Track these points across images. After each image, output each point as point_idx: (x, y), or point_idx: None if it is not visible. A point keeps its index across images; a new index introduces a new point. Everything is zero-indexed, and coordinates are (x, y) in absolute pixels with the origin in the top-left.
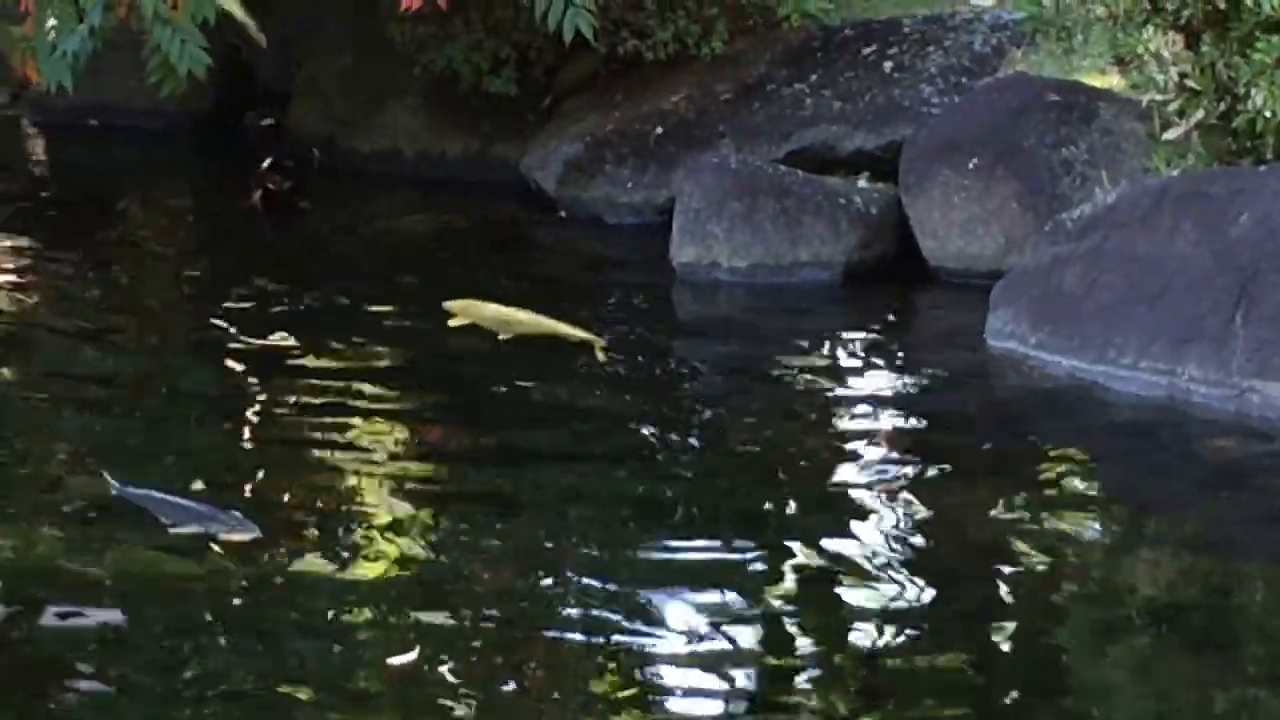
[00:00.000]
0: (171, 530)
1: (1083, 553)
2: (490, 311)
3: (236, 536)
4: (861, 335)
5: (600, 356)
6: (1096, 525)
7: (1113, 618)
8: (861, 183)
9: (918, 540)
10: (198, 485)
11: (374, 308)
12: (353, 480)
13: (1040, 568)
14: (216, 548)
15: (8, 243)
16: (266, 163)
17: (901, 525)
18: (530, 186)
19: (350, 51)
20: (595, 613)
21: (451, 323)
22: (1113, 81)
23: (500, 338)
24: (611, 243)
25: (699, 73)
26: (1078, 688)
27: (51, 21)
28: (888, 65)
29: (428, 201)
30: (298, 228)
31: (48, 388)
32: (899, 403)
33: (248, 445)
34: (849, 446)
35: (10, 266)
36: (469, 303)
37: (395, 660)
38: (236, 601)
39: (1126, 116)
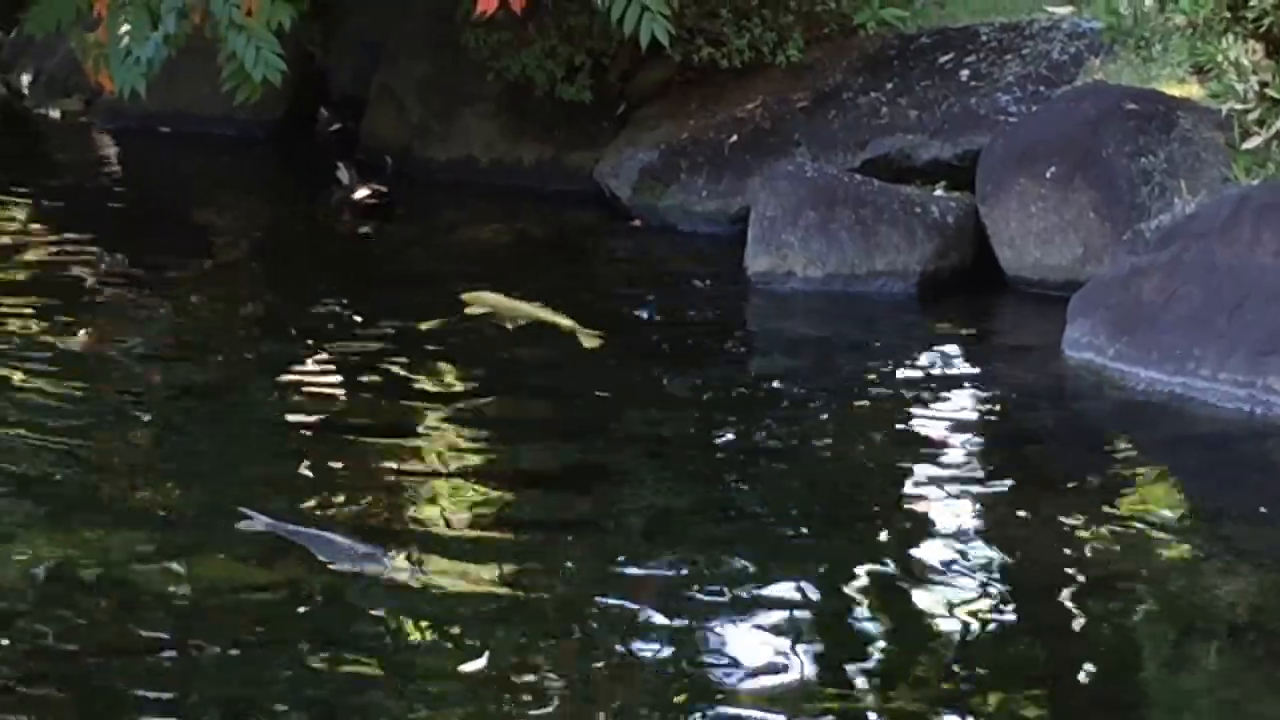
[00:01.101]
0: (330, 566)
1: (1160, 565)
2: (494, 300)
3: (389, 574)
4: (937, 346)
5: (588, 344)
6: (1174, 538)
7: (1190, 632)
8: (938, 192)
9: (993, 552)
10: (270, 496)
11: (449, 318)
12: (427, 493)
13: (1117, 580)
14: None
15: (80, 252)
16: (343, 171)
17: (977, 537)
18: (604, 194)
19: (425, 59)
20: (669, 625)
21: (467, 310)
22: (1192, 90)
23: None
24: (686, 251)
25: (774, 81)
26: (1155, 702)
27: (125, 28)
28: (965, 73)
29: (502, 209)
30: (373, 237)
31: (121, 398)
32: (975, 414)
33: (322, 457)
34: (924, 458)
35: (83, 276)
36: (481, 294)
37: (466, 668)
38: (309, 609)
39: (1206, 125)
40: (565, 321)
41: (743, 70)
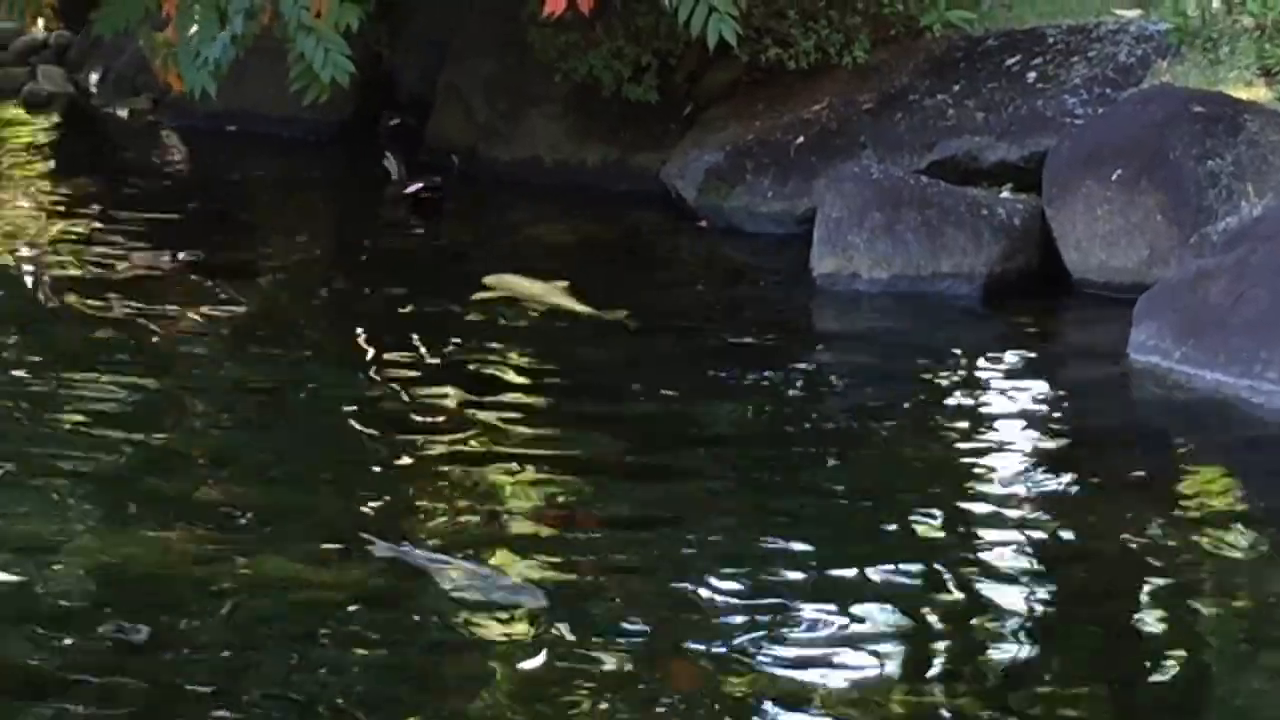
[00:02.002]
0: (454, 595)
1: (1226, 569)
2: (516, 284)
3: (522, 604)
4: (1003, 347)
5: (630, 325)
6: (1240, 541)
7: (1257, 636)
8: (1004, 194)
9: (1057, 553)
10: (334, 495)
11: (514, 317)
12: (489, 490)
13: (1182, 582)
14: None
15: (147, 250)
16: (391, 163)
17: (1041, 538)
18: (670, 195)
19: (491, 59)
20: (730, 624)
21: (490, 294)
22: (1259, 93)
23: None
24: (751, 252)
25: (841, 82)
26: (1220, 704)
27: (193, 28)
28: (1031, 75)
29: (567, 210)
30: (437, 236)
31: (186, 396)
32: (1040, 416)
33: (386, 454)
34: (989, 459)
35: (150, 274)
36: (503, 277)
37: (524, 666)
38: (369, 608)
39: (1273, 128)
40: (585, 308)
41: (809, 71)
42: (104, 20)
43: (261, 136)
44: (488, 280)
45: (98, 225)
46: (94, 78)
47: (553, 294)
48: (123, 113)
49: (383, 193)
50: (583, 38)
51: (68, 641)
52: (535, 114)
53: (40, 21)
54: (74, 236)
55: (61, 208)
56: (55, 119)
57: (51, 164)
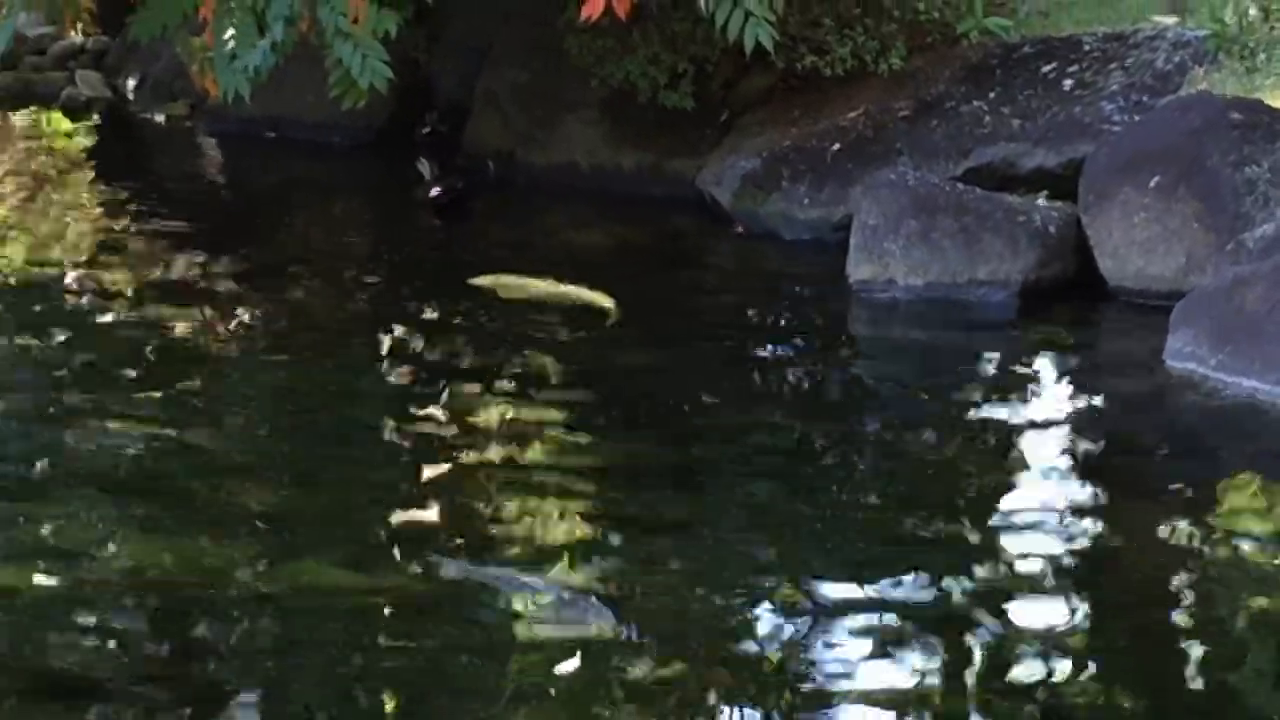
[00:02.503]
0: (527, 617)
1: (1261, 578)
2: (509, 280)
3: (593, 625)
4: (1038, 354)
5: (605, 305)
6: (1275, 549)
7: None
8: (1040, 201)
9: (1091, 560)
10: (372, 500)
11: (548, 321)
12: (524, 494)
13: (1216, 590)
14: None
15: (182, 255)
16: (424, 167)
17: (1075, 545)
18: (706, 201)
19: (528, 65)
20: (765, 630)
21: (483, 291)
22: None
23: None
24: (787, 259)
25: (877, 89)
26: (1254, 715)
27: (230, 32)
28: (1068, 83)
29: (604, 215)
30: (473, 241)
31: (223, 399)
32: (1075, 423)
33: (425, 459)
34: (1023, 465)
35: (185, 279)
36: (496, 277)
37: (561, 670)
38: (408, 613)
39: None
40: (585, 294)
41: (845, 78)
42: (141, 25)
43: (299, 142)
44: (479, 281)
45: (134, 230)
46: (131, 83)
47: (543, 285)
48: (160, 118)
49: (418, 198)
50: (619, 44)
51: (105, 647)
52: (572, 119)
53: (78, 26)
54: (110, 241)
55: (98, 212)
56: (93, 124)
57: (89, 168)
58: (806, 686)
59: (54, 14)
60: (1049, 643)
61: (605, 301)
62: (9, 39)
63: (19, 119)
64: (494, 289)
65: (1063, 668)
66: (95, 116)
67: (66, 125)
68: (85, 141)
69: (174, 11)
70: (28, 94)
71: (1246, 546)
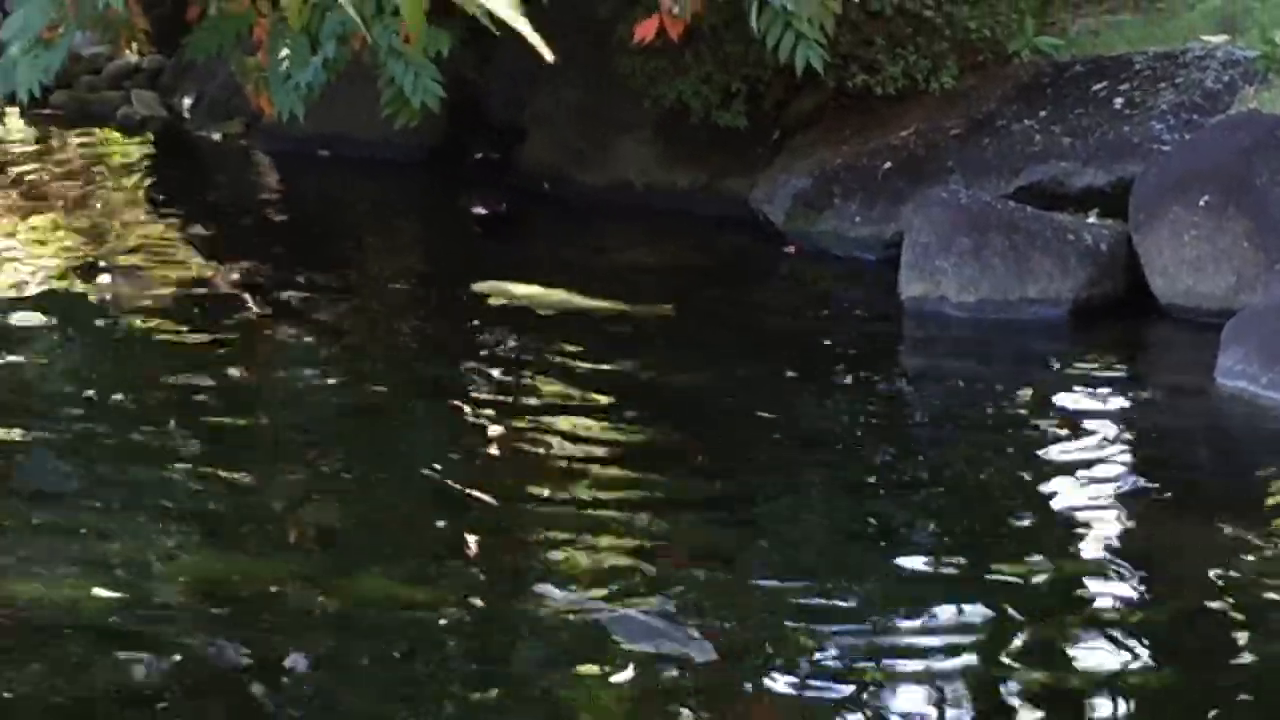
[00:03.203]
0: (623, 646)
1: None
2: (511, 289)
3: (694, 656)
4: (1089, 372)
5: (669, 314)
6: None
7: None
8: (1091, 219)
9: (1142, 579)
10: (431, 515)
11: (602, 341)
12: (579, 514)
13: (1268, 610)
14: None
15: (237, 273)
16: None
17: (1126, 564)
18: (759, 219)
19: (580, 85)
20: (818, 642)
21: (487, 301)
22: None
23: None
24: (839, 276)
25: (928, 108)
26: None
27: (285, 51)
28: (1118, 101)
29: (657, 234)
30: (527, 261)
31: (279, 418)
32: (1126, 441)
33: (475, 475)
34: (1073, 484)
35: (240, 296)
36: (494, 284)
37: (614, 680)
38: (462, 629)
39: None
40: (592, 303)
41: (897, 97)
42: (196, 44)
43: (352, 160)
44: (481, 288)
45: (190, 248)
46: (187, 102)
47: (549, 295)
48: (215, 136)
49: (469, 216)
50: (672, 64)
51: (166, 661)
52: (625, 139)
53: (134, 46)
54: (167, 259)
55: (155, 231)
56: (149, 142)
57: (145, 187)
58: (842, 710)
59: (110, 34)
60: (1101, 654)
61: (603, 305)
62: (64, 58)
63: (75, 138)
64: (500, 299)
65: (1114, 685)
66: (150, 135)
67: (121, 144)
68: (140, 160)
69: (229, 31)
70: (83, 113)
71: None
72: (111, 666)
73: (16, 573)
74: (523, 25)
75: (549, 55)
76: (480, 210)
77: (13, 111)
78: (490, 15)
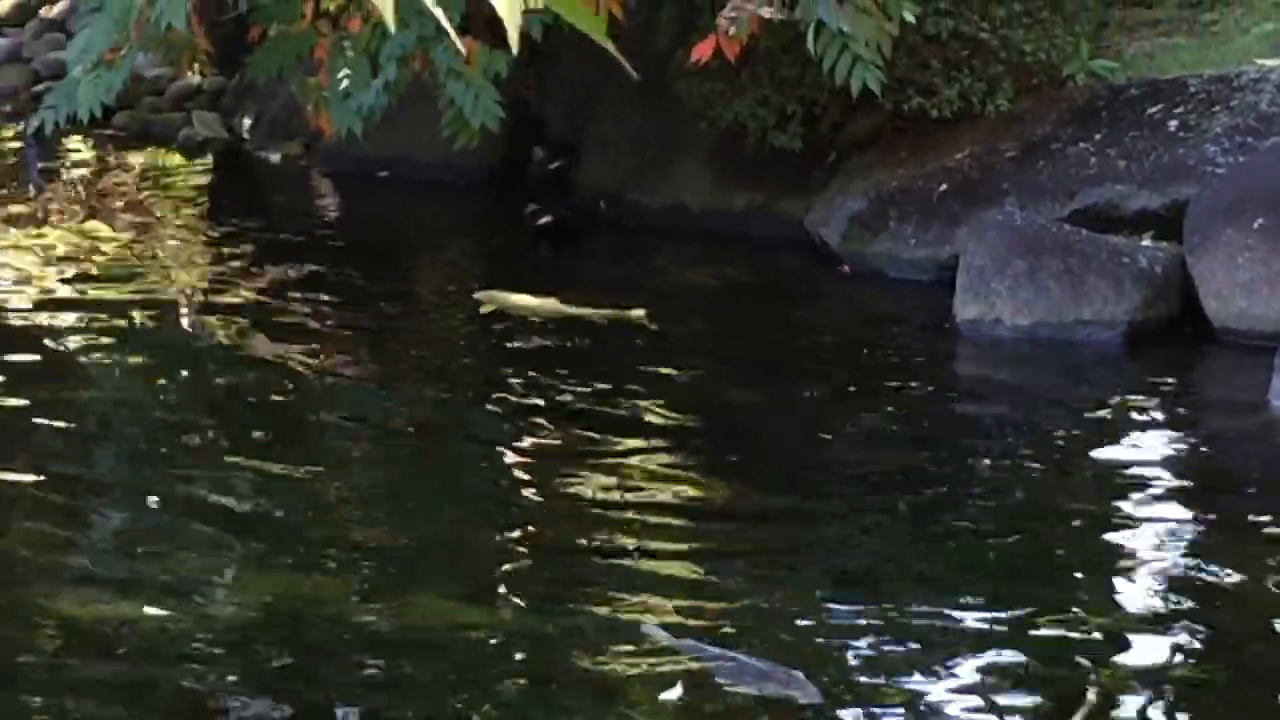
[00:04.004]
0: (727, 688)
1: None
2: (509, 299)
3: (796, 698)
4: (1143, 395)
5: (648, 324)
6: None
7: None
8: (1145, 242)
9: (1193, 600)
10: (483, 534)
11: (655, 362)
12: (630, 530)
13: None
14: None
15: (295, 292)
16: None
17: (1178, 585)
18: (814, 241)
19: (638, 106)
20: (865, 665)
21: (482, 309)
22: None
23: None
24: (894, 298)
25: (983, 130)
26: None
27: (344, 72)
28: (1173, 124)
29: (713, 255)
30: (583, 281)
31: (335, 437)
32: (1179, 463)
33: (530, 494)
34: (1127, 505)
35: (298, 315)
36: (494, 293)
37: (664, 696)
38: (517, 647)
39: None
40: (590, 312)
41: (952, 120)
42: (257, 65)
43: (411, 181)
44: (479, 296)
45: (249, 268)
46: (247, 122)
47: (547, 305)
48: (275, 157)
49: (530, 237)
50: (729, 86)
51: (217, 678)
52: (681, 160)
53: (195, 67)
54: (226, 279)
55: (214, 250)
56: (210, 163)
57: (206, 207)
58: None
59: (171, 55)
60: (1153, 681)
61: (596, 313)
62: (126, 79)
63: (136, 158)
64: (497, 306)
65: (1166, 704)
66: (211, 156)
67: (182, 165)
68: (201, 181)
69: (289, 52)
70: (145, 134)
71: None
72: (164, 684)
73: (71, 591)
74: (610, 46)
75: (633, 74)
76: (544, 220)
77: (75, 132)
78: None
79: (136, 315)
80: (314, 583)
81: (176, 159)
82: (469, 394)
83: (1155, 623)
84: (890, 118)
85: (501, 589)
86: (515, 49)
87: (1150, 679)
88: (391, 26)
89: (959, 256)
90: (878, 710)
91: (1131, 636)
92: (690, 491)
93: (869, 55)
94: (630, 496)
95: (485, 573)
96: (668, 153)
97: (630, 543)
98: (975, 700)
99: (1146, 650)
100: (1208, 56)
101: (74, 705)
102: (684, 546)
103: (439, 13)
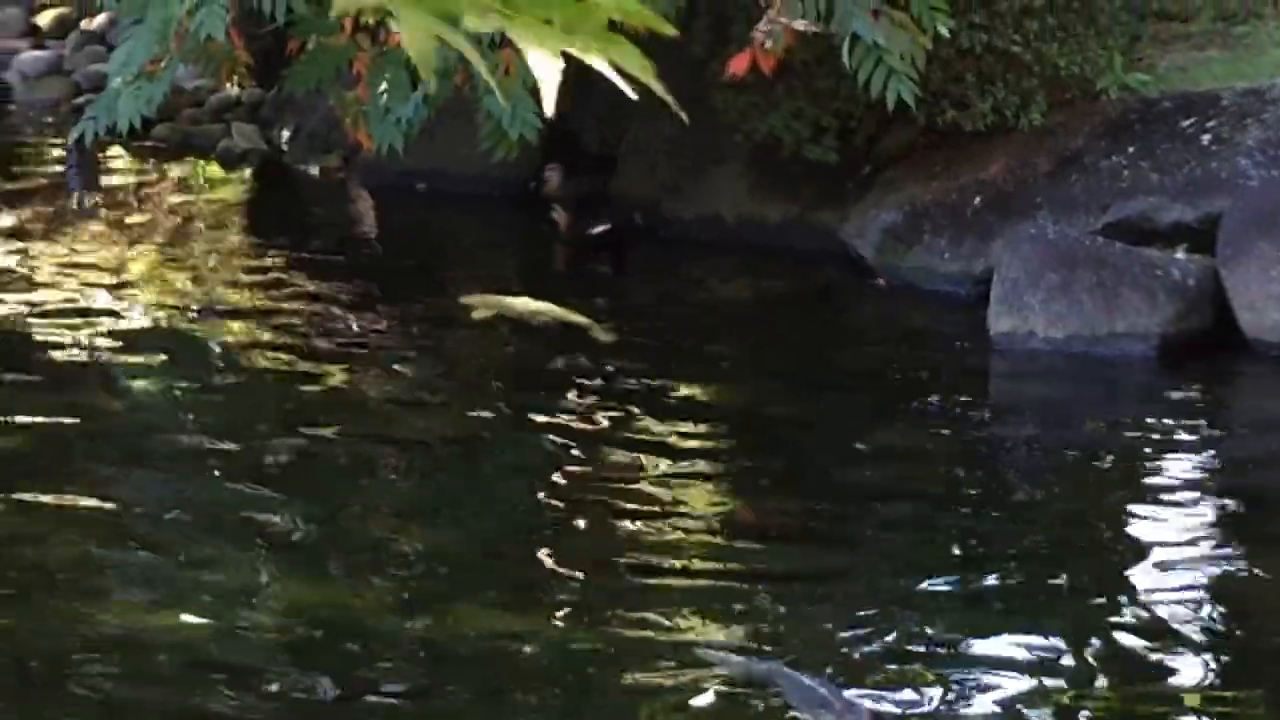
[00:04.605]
0: (794, 713)
1: None
2: (495, 301)
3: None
4: (1177, 407)
5: (601, 336)
6: None
7: None
8: (1178, 254)
9: (1227, 616)
10: (523, 546)
11: (693, 372)
12: (666, 543)
13: None
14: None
15: (333, 304)
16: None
17: (1212, 600)
18: (849, 253)
19: (673, 119)
20: (904, 679)
21: (473, 314)
22: None
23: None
24: (928, 311)
25: (1017, 144)
26: None
27: (384, 85)
28: (1206, 138)
29: (748, 267)
30: (621, 292)
31: (373, 450)
32: (1213, 475)
33: (570, 505)
34: (1160, 518)
35: (336, 327)
36: (484, 296)
37: (696, 703)
38: (557, 657)
39: None
40: (574, 317)
41: (986, 133)
42: (296, 77)
43: (449, 194)
44: (464, 300)
45: (286, 281)
46: (286, 135)
47: (535, 306)
48: (314, 170)
49: (566, 249)
50: (764, 99)
51: (259, 689)
52: (717, 172)
53: (235, 79)
54: (264, 292)
55: (252, 263)
56: (248, 175)
57: (244, 220)
58: None
59: (212, 67)
60: (1186, 694)
61: (582, 320)
62: (166, 91)
63: (176, 170)
64: (485, 310)
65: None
66: (249, 168)
67: (221, 177)
68: (239, 193)
69: (328, 64)
70: (185, 145)
71: None
72: (205, 693)
73: (114, 604)
74: (655, 84)
75: (684, 116)
76: (593, 231)
77: (115, 143)
78: (620, 71)
79: (175, 327)
80: (353, 595)
81: (215, 171)
82: (508, 407)
83: (1184, 636)
84: (924, 131)
85: (540, 600)
86: (550, 112)
87: (1191, 697)
88: (431, 83)
89: (993, 270)
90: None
91: (1160, 651)
92: (726, 504)
93: (903, 68)
94: (666, 509)
95: (524, 584)
96: (703, 164)
97: (667, 555)
98: (1002, 712)
99: (1175, 664)
100: (1240, 70)
101: (110, 716)
102: (720, 559)
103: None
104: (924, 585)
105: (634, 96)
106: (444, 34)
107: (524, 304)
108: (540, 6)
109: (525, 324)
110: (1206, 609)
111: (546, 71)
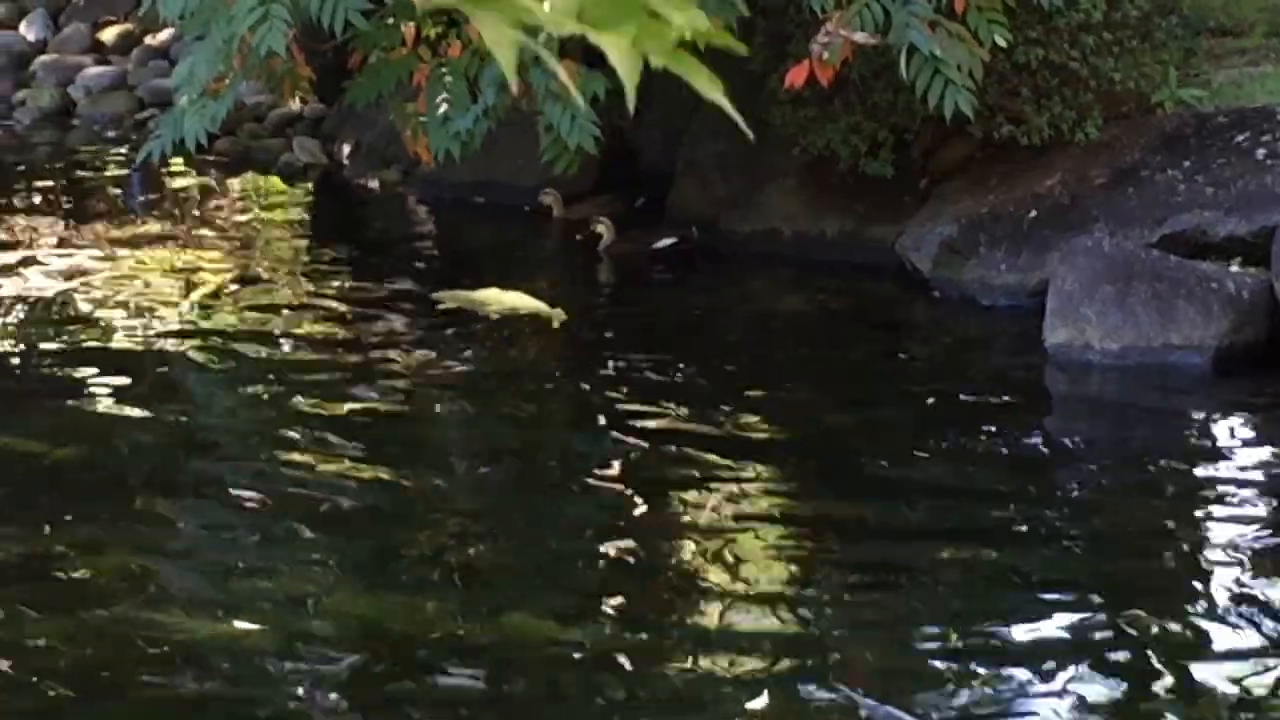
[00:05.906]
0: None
1: None
2: (467, 296)
3: None
4: (1232, 420)
5: (555, 326)
6: None
7: None
8: (1233, 267)
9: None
10: (581, 554)
11: (749, 386)
12: (724, 551)
13: None
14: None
15: (395, 316)
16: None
17: (1263, 612)
18: (905, 267)
19: (729, 133)
20: (957, 687)
21: (439, 307)
22: None
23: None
24: (985, 323)
25: (1073, 158)
26: None
27: (443, 96)
28: (1260, 152)
29: (804, 281)
30: (678, 304)
31: (433, 458)
32: (1267, 488)
33: (627, 514)
34: (1214, 530)
35: (397, 340)
36: (454, 292)
37: (753, 705)
38: (612, 665)
39: None
40: (539, 306)
41: (1042, 147)
42: (356, 90)
43: (508, 208)
44: (437, 296)
45: (346, 293)
46: (346, 149)
47: (506, 298)
48: (374, 184)
49: (621, 263)
50: (821, 113)
51: (318, 697)
52: (773, 187)
53: (296, 94)
54: (324, 303)
55: (312, 275)
56: (309, 189)
57: (305, 233)
58: None
59: (274, 82)
60: (1244, 706)
61: (545, 308)
62: (230, 108)
63: (237, 184)
64: (455, 303)
65: None
66: (310, 183)
67: (282, 191)
68: (300, 206)
69: (389, 77)
70: (246, 159)
71: None
72: (265, 702)
73: (171, 608)
74: (724, 101)
75: (749, 132)
76: (665, 243)
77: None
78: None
79: (236, 338)
80: (412, 602)
81: (276, 185)
82: (567, 416)
83: (1236, 647)
84: (981, 145)
85: (599, 607)
86: (632, 109)
87: (1236, 704)
88: (513, 85)
89: (1049, 282)
90: None
91: (1213, 661)
92: (785, 513)
93: (961, 79)
94: (725, 518)
95: (582, 591)
96: (760, 179)
97: (724, 564)
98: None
99: (1229, 673)
100: None
101: None
102: (778, 567)
103: (548, 56)
104: (970, 589)
105: (702, 113)
106: (520, 38)
107: (493, 295)
108: (613, 23)
109: (581, 336)
110: (1256, 619)
111: (627, 70)
